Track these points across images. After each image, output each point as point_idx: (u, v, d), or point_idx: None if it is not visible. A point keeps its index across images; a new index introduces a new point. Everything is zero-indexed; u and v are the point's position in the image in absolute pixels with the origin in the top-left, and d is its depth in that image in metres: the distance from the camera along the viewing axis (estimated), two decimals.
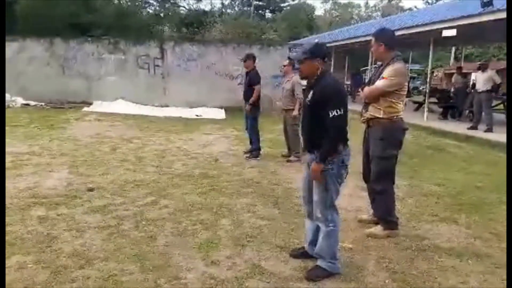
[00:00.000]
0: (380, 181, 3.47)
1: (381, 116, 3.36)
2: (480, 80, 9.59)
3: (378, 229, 3.50)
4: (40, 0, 16.71)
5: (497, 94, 9.89)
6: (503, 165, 5.66)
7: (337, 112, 2.52)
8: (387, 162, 3.44)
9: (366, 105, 3.50)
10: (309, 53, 2.65)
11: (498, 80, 9.49)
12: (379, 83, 3.33)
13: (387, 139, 3.39)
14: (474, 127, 9.41)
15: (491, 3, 8.44)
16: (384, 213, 3.51)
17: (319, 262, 2.73)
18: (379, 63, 3.59)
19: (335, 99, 2.56)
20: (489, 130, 9.07)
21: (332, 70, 18.73)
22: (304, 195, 2.92)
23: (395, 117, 3.38)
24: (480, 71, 9.77)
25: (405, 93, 3.47)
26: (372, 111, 3.41)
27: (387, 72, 3.31)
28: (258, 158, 6.29)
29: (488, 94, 9.41)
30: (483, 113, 9.58)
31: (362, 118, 3.55)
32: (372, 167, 3.51)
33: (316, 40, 9.81)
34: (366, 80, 3.74)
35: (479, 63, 10.74)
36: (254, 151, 6.40)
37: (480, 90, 9.51)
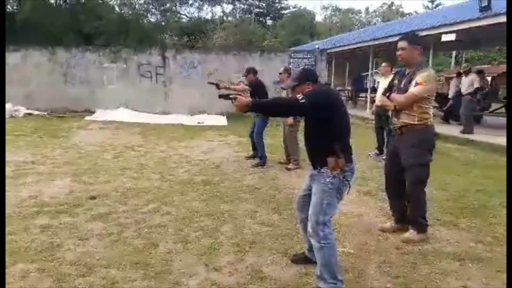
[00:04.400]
0: (417, 188, 3.45)
1: (415, 122, 3.34)
2: (464, 83, 9.94)
3: (412, 233, 3.48)
4: (42, 9, 16.86)
5: (475, 97, 10.13)
6: (504, 169, 5.66)
7: (302, 99, 2.43)
8: (425, 168, 3.42)
9: (397, 113, 3.44)
10: (297, 80, 2.71)
11: (476, 84, 9.81)
12: (416, 89, 3.28)
13: (424, 145, 3.39)
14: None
15: (489, 7, 8.50)
16: (419, 216, 3.50)
17: (321, 284, 2.60)
18: (396, 69, 3.59)
19: (308, 95, 2.50)
20: (467, 131, 9.26)
21: (333, 76, 18.83)
22: (298, 201, 2.94)
23: (429, 122, 3.39)
24: (464, 75, 10.20)
25: (434, 98, 3.49)
26: (406, 118, 3.37)
27: (421, 78, 3.27)
28: (265, 167, 6.22)
29: (468, 97, 9.70)
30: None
31: (394, 126, 3.51)
32: (408, 175, 3.44)
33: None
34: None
35: (462, 68, 11.09)
36: (260, 160, 6.32)
37: (464, 93, 9.85)
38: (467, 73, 10.05)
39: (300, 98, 2.44)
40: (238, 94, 2.55)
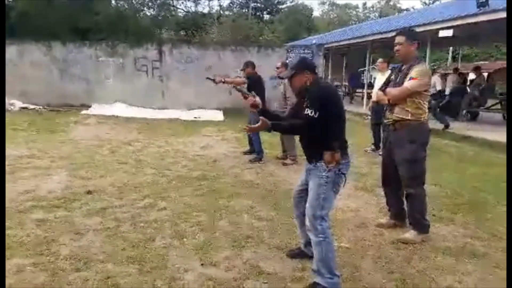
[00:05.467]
0: (413, 185, 3.42)
1: (409, 118, 3.33)
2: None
3: (412, 233, 3.43)
4: (39, 4, 16.72)
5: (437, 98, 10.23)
6: (501, 165, 5.68)
7: (310, 113, 2.49)
8: (420, 165, 3.40)
9: (391, 107, 3.43)
10: (296, 68, 2.69)
11: (438, 86, 10.04)
12: (410, 83, 3.27)
13: (418, 141, 3.37)
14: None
15: (486, 3, 8.50)
16: (419, 216, 3.45)
17: (318, 279, 2.60)
18: (393, 65, 3.57)
19: (313, 99, 2.52)
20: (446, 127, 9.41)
21: (330, 71, 18.80)
22: (295, 196, 2.95)
23: (422, 118, 3.36)
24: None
25: (429, 94, 3.47)
26: (399, 113, 3.36)
27: (415, 72, 3.27)
28: (262, 162, 6.22)
29: (432, 97, 9.75)
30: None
31: (387, 120, 3.50)
32: (402, 171, 3.43)
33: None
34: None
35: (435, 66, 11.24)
36: (257, 155, 6.32)
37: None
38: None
39: (310, 112, 2.49)
40: (246, 94, 2.76)
